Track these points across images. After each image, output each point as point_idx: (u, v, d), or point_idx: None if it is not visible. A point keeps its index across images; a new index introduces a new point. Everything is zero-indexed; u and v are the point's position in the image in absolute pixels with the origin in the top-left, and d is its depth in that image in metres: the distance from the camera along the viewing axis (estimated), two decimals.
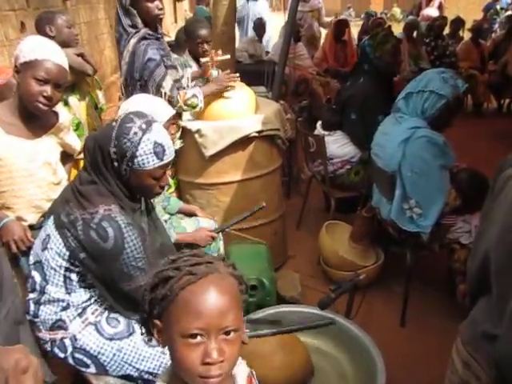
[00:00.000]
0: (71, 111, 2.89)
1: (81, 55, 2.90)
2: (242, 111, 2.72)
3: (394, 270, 2.81)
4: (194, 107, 2.53)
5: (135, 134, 1.50)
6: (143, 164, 1.52)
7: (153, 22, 2.45)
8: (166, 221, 2.26)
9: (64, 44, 2.81)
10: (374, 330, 2.03)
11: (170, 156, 1.57)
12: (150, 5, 2.37)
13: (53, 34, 2.73)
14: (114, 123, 1.55)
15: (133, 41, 2.37)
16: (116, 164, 1.52)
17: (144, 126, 1.52)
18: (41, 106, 1.81)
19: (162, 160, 1.54)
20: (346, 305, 2.15)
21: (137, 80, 2.42)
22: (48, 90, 1.80)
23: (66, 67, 1.88)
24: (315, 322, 1.96)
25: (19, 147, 1.84)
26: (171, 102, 2.43)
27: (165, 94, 2.42)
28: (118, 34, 2.47)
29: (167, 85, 2.43)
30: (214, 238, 2.21)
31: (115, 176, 1.54)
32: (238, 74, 2.74)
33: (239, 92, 2.78)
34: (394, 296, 2.69)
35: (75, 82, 2.90)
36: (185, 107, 2.50)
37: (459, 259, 2.32)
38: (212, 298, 0.86)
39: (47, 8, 4.34)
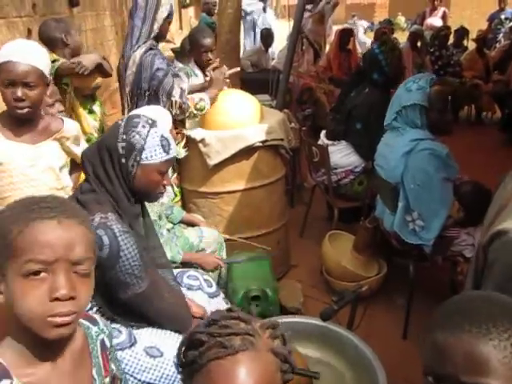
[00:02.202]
0: (97, 118, 2.93)
1: (104, 59, 2.97)
2: (247, 120, 2.73)
3: (397, 282, 2.79)
4: (202, 110, 2.57)
5: (143, 126, 1.55)
6: (151, 157, 1.54)
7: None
8: (168, 230, 2.26)
9: (77, 51, 2.88)
10: (375, 342, 2.02)
11: (173, 151, 1.61)
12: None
13: (68, 42, 2.79)
14: (119, 121, 1.59)
15: (139, 51, 2.40)
16: (124, 160, 1.53)
17: (150, 122, 1.58)
18: (17, 110, 1.78)
19: (168, 154, 1.57)
20: (348, 316, 2.14)
21: (145, 90, 2.45)
22: (17, 91, 1.76)
23: (34, 64, 1.80)
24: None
25: (19, 152, 1.84)
26: (182, 108, 2.47)
27: (175, 102, 2.46)
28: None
29: (177, 92, 2.47)
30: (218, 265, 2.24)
31: (121, 176, 1.55)
32: (226, 69, 2.78)
33: (244, 101, 2.79)
34: (397, 308, 2.68)
35: (96, 87, 2.96)
36: (195, 111, 2.54)
37: (462, 272, 2.31)
38: (237, 381, 0.78)
39: (54, 15, 4.37)
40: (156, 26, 2.44)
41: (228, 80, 2.74)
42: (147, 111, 2.08)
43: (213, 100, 2.63)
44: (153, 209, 2.13)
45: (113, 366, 1.08)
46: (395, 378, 1.95)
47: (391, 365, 1.91)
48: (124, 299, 1.54)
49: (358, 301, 2.09)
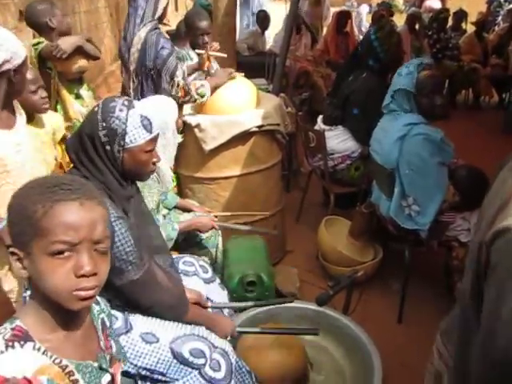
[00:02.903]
0: (84, 103, 2.87)
1: (88, 41, 2.90)
2: (243, 105, 2.71)
3: (393, 267, 2.81)
4: (202, 96, 2.56)
5: (120, 110, 1.49)
6: (135, 139, 1.51)
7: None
8: (164, 216, 2.25)
9: (66, 34, 2.81)
10: (371, 327, 2.05)
11: (156, 129, 1.57)
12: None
13: (54, 25, 2.71)
14: (95, 108, 1.54)
15: (144, 29, 2.40)
16: (108, 147, 1.49)
17: (126, 103, 1.52)
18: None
19: (150, 133, 1.54)
20: (344, 301, 2.16)
21: (150, 69, 2.43)
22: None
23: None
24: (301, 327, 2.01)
25: (3, 140, 1.78)
26: (185, 90, 2.45)
27: (178, 82, 2.44)
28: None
29: (180, 73, 2.46)
30: (213, 227, 2.25)
31: (109, 162, 1.51)
32: (233, 70, 2.79)
33: (240, 86, 2.76)
34: (392, 292, 2.69)
35: (81, 70, 2.89)
36: (196, 96, 2.53)
37: (458, 257, 2.32)
38: None
39: None
40: (160, 7, 2.42)
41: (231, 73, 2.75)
42: (152, 101, 2.06)
43: (213, 89, 2.60)
44: (153, 198, 2.12)
45: (112, 343, 1.12)
46: (390, 361, 1.97)
47: (386, 349, 1.93)
48: (118, 286, 1.52)
49: (353, 286, 2.10)
